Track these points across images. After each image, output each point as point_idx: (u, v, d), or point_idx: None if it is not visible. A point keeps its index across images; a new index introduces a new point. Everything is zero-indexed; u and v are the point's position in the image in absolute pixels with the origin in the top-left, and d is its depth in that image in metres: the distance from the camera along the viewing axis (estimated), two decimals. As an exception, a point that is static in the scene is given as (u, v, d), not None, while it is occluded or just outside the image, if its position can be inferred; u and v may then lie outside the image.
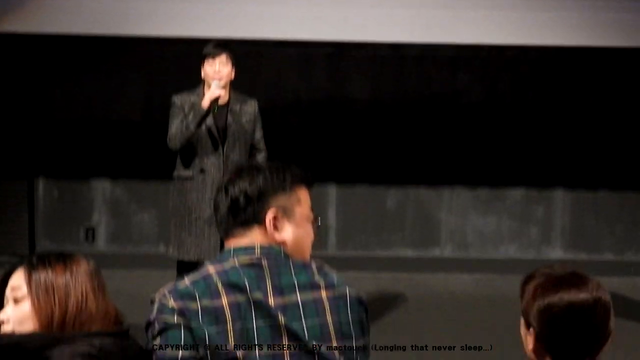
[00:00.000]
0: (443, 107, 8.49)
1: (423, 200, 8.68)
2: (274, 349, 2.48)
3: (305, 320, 2.53)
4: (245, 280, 2.52)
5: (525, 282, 2.53)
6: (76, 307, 2.43)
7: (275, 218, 2.62)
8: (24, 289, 2.45)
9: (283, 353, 2.49)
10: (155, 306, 2.53)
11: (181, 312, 2.46)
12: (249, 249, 2.60)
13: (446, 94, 8.49)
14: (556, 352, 2.45)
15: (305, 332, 2.51)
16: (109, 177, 8.53)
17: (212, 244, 6.01)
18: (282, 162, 2.75)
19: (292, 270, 2.59)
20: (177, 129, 5.92)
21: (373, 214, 8.55)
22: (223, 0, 7.62)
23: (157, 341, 2.47)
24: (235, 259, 2.58)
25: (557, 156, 8.55)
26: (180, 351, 2.43)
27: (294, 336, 2.51)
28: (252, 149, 6.21)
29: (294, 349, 2.50)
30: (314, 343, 2.51)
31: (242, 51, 6.25)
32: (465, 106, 8.49)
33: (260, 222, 2.62)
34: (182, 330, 2.45)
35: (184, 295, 2.48)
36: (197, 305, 2.46)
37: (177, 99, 6.03)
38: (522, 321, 2.51)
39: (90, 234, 8.54)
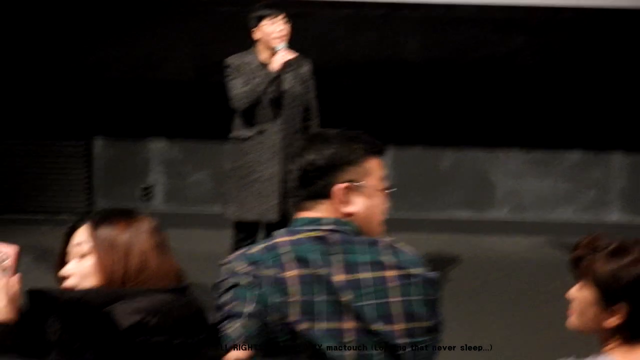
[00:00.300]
0: (498, 69, 8.41)
1: (478, 161, 8.64)
2: (334, 325, 2.47)
3: (368, 300, 2.50)
4: (312, 254, 2.51)
5: (592, 251, 2.49)
6: (137, 264, 2.44)
7: (344, 191, 2.59)
8: (87, 245, 2.47)
9: (342, 330, 2.47)
10: (225, 269, 2.56)
11: (251, 276, 2.49)
12: (318, 222, 2.59)
13: (501, 55, 8.41)
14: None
15: (368, 311, 2.48)
16: (164, 136, 8.58)
17: (273, 203, 6.02)
18: (352, 133, 2.71)
19: (359, 247, 2.56)
20: (241, 90, 5.90)
21: (428, 176, 8.53)
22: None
23: (225, 297, 2.52)
24: (305, 232, 2.57)
25: (614, 118, 8.44)
26: (248, 307, 2.46)
27: (355, 314, 2.48)
28: (306, 111, 6.20)
29: (354, 327, 2.48)
30: (375, 323, 2.48)
31: (293, 12, 6.22)
32: (520, 68, 8.40)
33: (329, 195, 2.59)
34: (251, 290, 2.47)
35: (254, 262, 2.51)
36: (263, 273, 2.48)
37: (233, 61, 6.01)
38: (587, 293, 2.48)
39: (147, 192, 8.61)
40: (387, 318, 2.49)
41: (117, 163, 8.62)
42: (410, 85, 8.43)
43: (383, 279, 2.52)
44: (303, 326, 2.45)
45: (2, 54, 8.34)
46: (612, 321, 2.46)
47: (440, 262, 7.46)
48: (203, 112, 8.32)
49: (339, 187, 2.59)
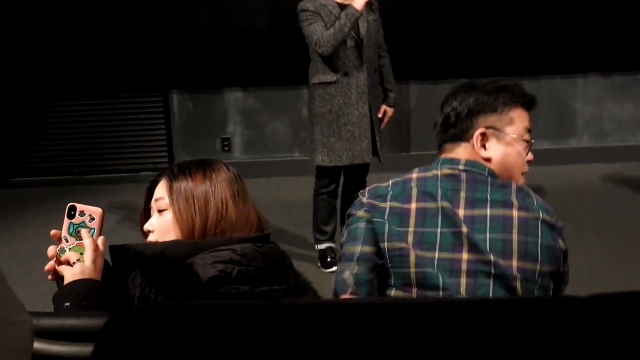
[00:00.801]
0: (573, -6, 8.27)
1: (557, 90, 8.53)
2: (450, 255, 2.56)
3: (490, 234, 2.58)
4: (440, 189, 2.65)
5: None
6: (216, 214, 2.47)
7: (482, 136, 2.75)
8: (166, 200, 2.51)
9: (459, 260, 2.56)
10: (356, 200, 2.72)
11: (368, 208, 2.65)
12: (454, 161, 2.73)
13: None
14: None
15: (487, 244, 2.57)
16: (240, 86, 8.62)
17: (364, 146, 5.99)
18: (502, 83, 2.84)
19: (489, 187, 2.67)
20: (327, 33, 5.81)
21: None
22: None
23: (343, 235, 2.71)
24: (438, 169, 2.71)
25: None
26: (358, 247, 2.63)
27: (474, 246, 2.56)
28: (378, 49, 6.17)
29: (470, 258, 2.56)
30: (493, 256, 2.54)
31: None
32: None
33: (469, 139, 2.76)
34: (365, 224, 2.64)
35: (378, 195, 2.67)
36: (386, 204, 2.63)
37: (310, 5, 5.92)
38: None
39: (226, 144, 8.68)
40: (503, 253, 2.56)
41: (194, 116, 8.70)
42: (483, 18, 8.34)
43: (503, 217, 2.61)
44: (418, 253, 2.57)
45: (79, 12, 8.43)
46: None
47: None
48: (277, 59, 8.34)
49: (477, 132, 2.75)
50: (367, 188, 2.74)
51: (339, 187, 6.21)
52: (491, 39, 8.33)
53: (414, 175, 2.72)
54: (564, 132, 8.56)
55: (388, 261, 2.60)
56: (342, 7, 5.89)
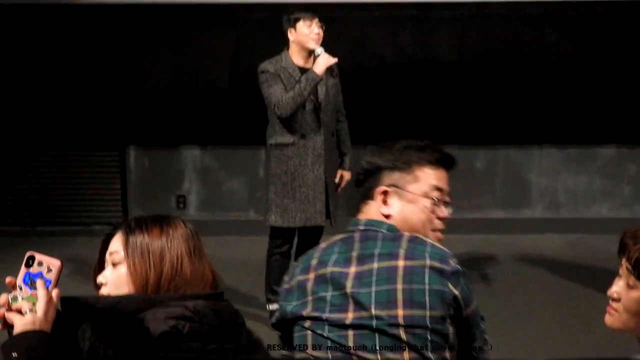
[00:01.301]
0: (531, 66, 8.37)
1: (512, 160, 8.61)
2: (339, 315, 2.66)
3: (375, 287, 2.65)
4: (335, 254, 2.76)
5: None
6: (171, 270, 2.45)
7: (384, 193, 2.82)
8: (121, 253, 2.48)
9: (346, 317, 2.65)
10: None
11: (279, 303, 2.86)
12: (357, 222, 2.84)
13: (533, 52, 8.37)
14: None
15: (373, 297, 2.64)
16: (198, 145, 8.61)
17: (317, 208, 6.00)
18: (420, 142, 2.91)
19: (380, 242, 2.73)
20: (286, 96, 5.82)
21: (462, 176, 8.50)
22: (307, -35, 7.60)
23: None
24: (340, 234, 2.84)
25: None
26: (273, 318, 2.88)
27: (358, 303, 2.64)
28: (336, 113, 6.21)
29: (356, 314, 2.64)
30: (376, 309, 2.61)
31: (326, 14, 6.22)
32: (553, 64, 8.36)
33: (373, 197, 2.85)
34: (281, 299, 2.85)
35: (291, 274, 2.85)
36: (294, 282, 2.79)
37: (270, 67, 5.94)
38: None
39: (182, 201, 8.64)
40: (388, 303, 2.62)
41: (151, 173, 8.66)
42: (443, 84, 8.41)
43: (388, 268, 2.66)
44: (312, 322, 2.70)
45: (36, 65, 8.41)
46: None
47: (476, 262, 7.44)
48: (235, 119, 8.34)
49: (378, 189, 2.83)
50: (293, 266, 2.90)
51: (293, 247, 6.20)
52: (450, 107, 8.40)
53: (321, 246, 2.85)
54: (518, 202, 8.62)
55: (295, 331, 2.77)
56: (303, 70, 5.92)
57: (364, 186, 2.87)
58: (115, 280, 2.48)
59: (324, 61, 5.84)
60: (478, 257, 7.52)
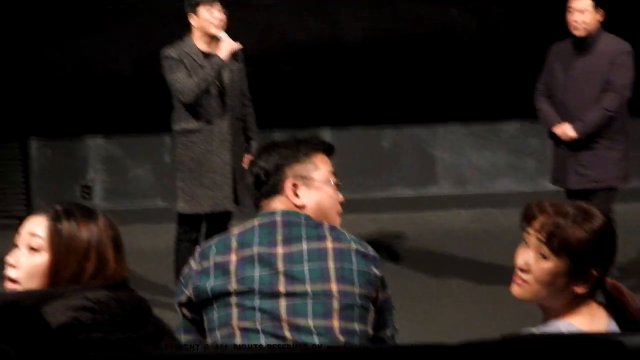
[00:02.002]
0: (434, 44, 8.44)
1: (418, 138, 8.67)
2: (271, 288, 2.76)
3: (308, 264, 2.79)
4: (257, 237, 2.85)
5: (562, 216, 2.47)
6: (97, 263, 2.42)
7: (294, 186, 2.97)
8: (42, 239, 2.43)
9: (278, 290, 2.76)
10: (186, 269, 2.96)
11: (191, 284, 2.86)
12: (271, 213, 2.94)
13: (437, 29, 8.43)
14: (605, 265, 2.47)
15: (307, 273, 2.77)
16: (102, 133, 8.49)
17: (225, 194, 5.97)
18: (299, 136, 3.11)
19: (304, 228, 2.87)
20: (190, 82, 5.78)
21: (369, 155, 8.54)
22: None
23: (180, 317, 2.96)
24: (257, 220, 2.93)
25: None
26: (182, 336, 2.91)
27: (291, 278, 2.77)
28: (242, 97, 6.17)
29: (290, 288, 2.76)
30: (311, 282, 2.76)
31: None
32: (457, 41, 8.44)
33: (281, 191, 2.97)
34: (183, 319, 2.92)
35: (203, 256, 2.87)
36: (210, 263, 2.83)
37: (173, 52, 5.88)
38: (555, 263, 2.44)
39: (87, 191, 8.52)
40: (322, 278, 2.78)
41: (54, 163, 8.51)
42: (349, 65, 8.43)
43: (318, 249, 2.82)
44: (239, 298, 2.77)
45: None
46: (582, 289, 2.45)
47: (384, 241, 7.48)
48: (139, 106, 8.25)
49: (287, 183, 2.96)
50: (198, 250, 2.94)
51: (201, 234, 6.16)
52: (354, 88, 8.42)
53: (235, 230, 2.93)
54: (424, 180, 8.69)
55: (215, 308, 2.82)
56: (206, 55, 5.87)
57: (268, 184, 2.98)
58: (30, 268, 2.43)
59: (228, 46, 5.81)
60: (387, 236, 7.57)
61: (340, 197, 3.07)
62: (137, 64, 8.29)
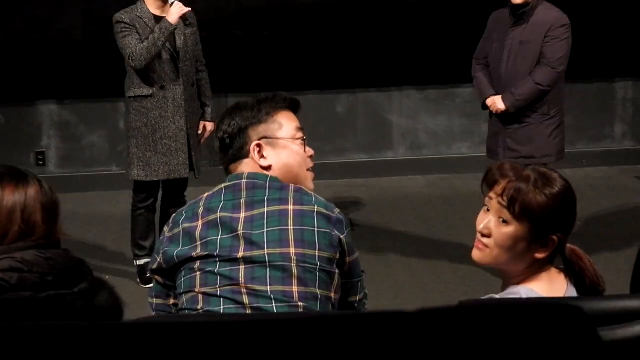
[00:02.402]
0: (389, 7, 8.42)
1: (373, 103, 8.67)
2: (230, 253, 2.77)
3: (267, 228, 2.78)
4: (222, 202, 2.86)
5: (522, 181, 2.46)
6: (21, 229, 2.42)
7: (258, 147, 2.95)
8: None
9: (237, 255, 2.76)
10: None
11: (162, 250, 2.88)
12: (238, 176, 2.93)
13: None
14: (565, 229, 2.48)
15: (265, 236, 2.77)
16: (54, 98, 8.40)
17: (180, 160, 5.94)
18: (263, 96, 3.06)
19: (268, 190, 2.87)
20: (140, 47, 5.72)
21: (324, 121, 8.54)
22: None
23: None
24: (223, 184, 2.92)
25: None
26: (154, 300, 2.97)
27: (249, 242, 2.77)
28: (196, 62, 6.13)
29: (248, 253, 2.76)
30: (268, 247, 2.76)
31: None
32: (412, 4, 8.43)
33: (247, 154, 2.95)
34: (154, 283, 2.95)
35: (174, 223, 2.89)
36: (179, 229, 2.85)
37: (125, 17, 5.83)
38: (516, 227, 2.45)
39: (41, 158, 8.45)
40: (280, 242, 2.77)
41: (6, 129, 8.42)
42: (301, 29, 8.40)
43: (279, 211, 2.82)
44: (202, 262, 2.78)
45: None
46: (541, 254, 2.45)
47: (341, 206, 7.45)
48: (92, 71, 8.17)
49: (252, 145, 2.94)
50: (172, 216, 2.96)
51: (157, 200, 6.14)
52: (309, 52, 8.40)
53: (204, 195, 2.93)
54: (380, 145, 8.70)
55: (182, 273, 2.83)
56: (158, 19, 5.83)
57: (233, 147, 2.97)
58: None
59: (177, 10, 5.77)
60: (342, 201, 7.58)
61: (310, 151, 3.08)
62: (89, 28, 8.20)
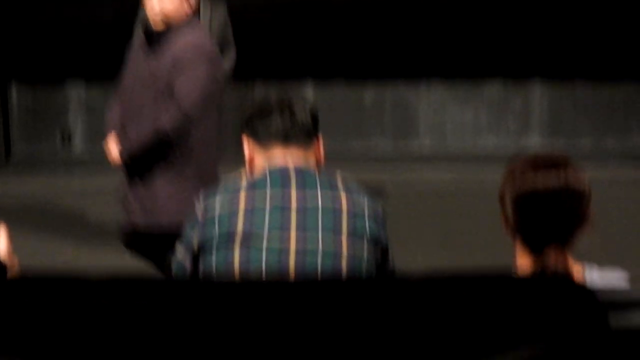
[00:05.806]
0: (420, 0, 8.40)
1: (400, 94, 8.65)
2: (280, 233, 2.81)
3: (317, 213, 2.85)
4: (269, 179, 2.91)
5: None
6: None
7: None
8: None
9: (289, 235, 2.81)
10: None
11: (201, 207, 2.93)
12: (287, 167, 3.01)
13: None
14: (526, 234, 2.42)
15: (319, 219, 2.84)
16: (83, 79, 8.43)
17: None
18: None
19: (317, 178, 2.97)
20: None
21: (351, 111, 8.52)
22: None
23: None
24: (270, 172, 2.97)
25: (534, 46, 8.49)
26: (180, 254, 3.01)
27: (302, 225, 2.83)
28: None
29: (301, 234, 2.82)
30: (321, 231, 2.83)
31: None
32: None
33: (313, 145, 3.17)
34: (196, 220, 2.94)
35: (208, 195, 2.93)
36: (216, 212, 2.86)
37: None
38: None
39: (67, 137, 8.47)
40: (333, 229, 2.86)
41: (35, 109, 8.46)
42: (331, 19, 8.38)
43: (337, 196, 2.93)
44: (247, 233, 2.81)
45: None
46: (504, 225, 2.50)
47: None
48: (121, 53, 8.18)
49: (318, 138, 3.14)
50: (202, 198, 3.00)
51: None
52: (336, 42, 8.38)
53: (244, 181, 2.99)
54: (406, 135, 8.68)
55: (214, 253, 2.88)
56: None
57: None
58: None
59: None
60: (368, 191, 7.55)
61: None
62: (117, 10, 8.20)
